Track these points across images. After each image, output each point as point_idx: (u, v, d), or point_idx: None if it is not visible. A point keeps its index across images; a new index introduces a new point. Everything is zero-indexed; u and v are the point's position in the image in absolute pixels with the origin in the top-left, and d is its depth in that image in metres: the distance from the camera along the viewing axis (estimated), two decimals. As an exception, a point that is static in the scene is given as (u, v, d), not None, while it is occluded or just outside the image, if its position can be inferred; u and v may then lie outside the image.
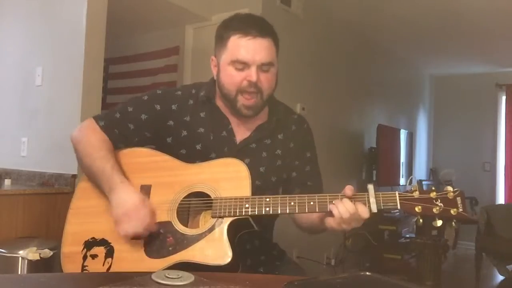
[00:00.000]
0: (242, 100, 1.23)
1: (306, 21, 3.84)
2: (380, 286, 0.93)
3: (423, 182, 5.83)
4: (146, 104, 1.32)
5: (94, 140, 1.28)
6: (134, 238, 1.15)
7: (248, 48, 1.20)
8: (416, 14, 4.10)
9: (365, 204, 1.10)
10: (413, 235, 4.58)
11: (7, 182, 2.61)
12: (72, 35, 2.58)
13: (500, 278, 4.35)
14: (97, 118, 1.32)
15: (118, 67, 4.25)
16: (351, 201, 1.10)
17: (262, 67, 1.22)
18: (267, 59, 1.22)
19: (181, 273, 0.92)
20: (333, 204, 1.10)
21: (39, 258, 1.89)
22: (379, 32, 4.69)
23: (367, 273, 0.95)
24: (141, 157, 1.29)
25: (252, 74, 1.20)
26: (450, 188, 1.09)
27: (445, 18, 4.16)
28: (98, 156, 1.24)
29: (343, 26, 4.37)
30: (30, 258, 1.88)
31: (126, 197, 1.16)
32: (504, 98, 6.11)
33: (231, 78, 1.23)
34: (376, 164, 4.79)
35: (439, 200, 1.08)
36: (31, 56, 2.84)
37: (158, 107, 1.31)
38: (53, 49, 2.71)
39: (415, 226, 4.55)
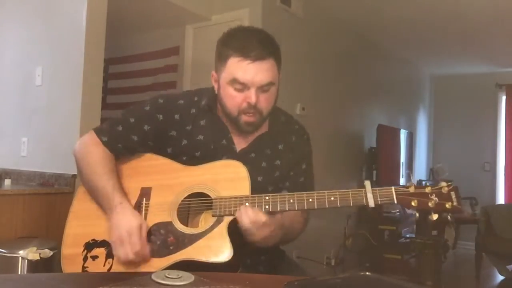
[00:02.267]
0: (244, 118, 1.23)
1: (306, 21, 3.84)
2: (380, 286, 0.93)
3: (423, 182, 5.83)
4: (148, 115, 1.30)
5: (97, 157, 1.27)
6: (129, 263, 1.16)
7: (247, 71, 1.18)
8: (416, 14, 4.10)
9: (261, 208, 1.13)
10: (413, 235, 4.58)
11: (7, 182, 2.61)
12: (72, 35, 2.58)
13: (500, 278, 4.35)
14: (99, 133, 1.30)
15: (118, 67, 4.25)
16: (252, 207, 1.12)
17: (263, 88, 1.21)
18: (267, 80, 1.20)
19: (181, 273, 0.92)
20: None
21: (39, 258, 1.89)
22: (379, 32, 4.69)
23: (367, 273, 0.95)
24: (141, 161, 1.30)
25: (251, 96, 1.19)
26: (444, 183, 1.11)
27: (445, 18, 4.16)
28: (100, 174, 1.23)
29: (343, 26, 4.37)
30: (30, 258, 1.88)
31: (122, 220, 1.16)
32: (504, 98, 6.11)
33: (231, 99, 1.22)
34: (376, 164, 4.79)
35: (434, 195, 1.10)
36: (31, 56, 2.84)
37: (160, 117, 1.30)
38: (53, 49, 2.71)
39: (415, 226, 4.55)
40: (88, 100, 2.51)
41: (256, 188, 1.21)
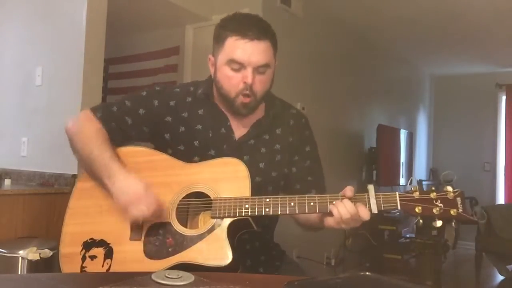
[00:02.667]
0: (240, 99, 1.24)
1: (306, 21, 3.84)
2: (380, 286, 0.93)
3: (423, 182, 5.83)
4: (144, 99, 1.32)
5: (91, 129, 1.27)
6: (142, 221, 1.15)
7: (244, 50, 1.19)
8: (416, 14, 4.10)
9: (365, 205, 1.10)
10: (413, 235, 4.58)
11: (7, 182, 2.61)
12: (72, 35, 2.58)
13: (500, 278, 4.35)
14: (94, 110, 1.31)
15: (118, 67, 4.24)
16: (352, 201, 1.10)
17: (259, 69, 1.22)
18: (263, 61, 1.21)
19: (181, 273, 0.92)
20: (333, 204, 1.10)
21: (39, 258, 1.89)
22: (379, 32, 4.68)
23: (367, 273, 0.95)
24: (139, 156, 1.28)
25: (248, 75, 1.20)
26: (450, 189, 1.08)
27: (445, 18, 4.16)
28: (96, 145, 1.23)
29: (343, 26, 4.37)
30: (30, 258, 1.88)
31: (129, 182, 1.15)
32: (504, 98, 6.11)
33: (228, 80, 1.23)
34: (376, 164, 4.79)
35: (439, 201, 1.07)
36: (31, 56, 2.83)
37: (156, 102, 1.31)
38: (53, 49, 2.71)
39: (415, 226, 4.55)
40: (88, 100, 2.51)
41: (260, 175, 1.21)
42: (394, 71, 5.55)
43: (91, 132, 1.26)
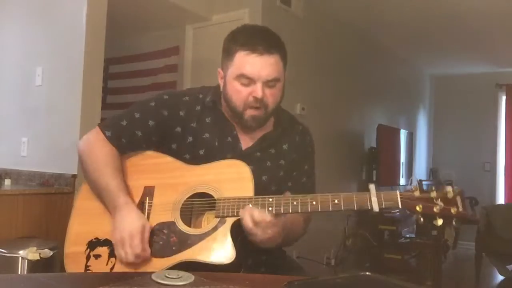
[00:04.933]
0: (249, 112, 1.24)
1: (306, 21, 3.84)
2: (380, 286, 0.93)
3: (423, 182, 5.83)
4: (153, 110, 1.31)
5: (102, 154, 1.26)
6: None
7: (254, 65, 1.20)
8: (416, 14, 4.10)
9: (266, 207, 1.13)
10: (413, 235, 4.58)
11: (7, 182, 2.61)
12: (72, 35, 2.58)
13: (500, 278, 4.35)
14: (103, 128, 1.30)
15: (118, 67, 4.25)
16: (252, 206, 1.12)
17: (268, 83, 1.22)
18: (273, 76, 1.22)
19: (181, 273, 0.92)
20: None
21: (39, 258, 1.89)
22: (379, 32, 4.69)
23: (367, 273, 0.95)
24: (145, 159, 1.30)
25: (257, 90, 1.21)
26: (449, 188, 1.09)
27: (445, 18, 4.16)
28: (105, 173, 1.23)
29: (343, 26, 4.37)
30: (30, 258, 1.88)
31: (126, 220, 1.15)
32: (504, 98, 6.11)
33: (237, 93, 1.23)
34: (376, 164, 4.79)
35: (439, 200, 1.08)
36: (31, 56, 2.84)
37: (165, 113, 1.30)
38: (53, 49, 2.71)
39: (415, 226, 4.56)
40: (88, 100, 2.52)
41: (260, 187, 1.21)
42: (394, 71, 5.55)
43: (101, 157, 1.26)
